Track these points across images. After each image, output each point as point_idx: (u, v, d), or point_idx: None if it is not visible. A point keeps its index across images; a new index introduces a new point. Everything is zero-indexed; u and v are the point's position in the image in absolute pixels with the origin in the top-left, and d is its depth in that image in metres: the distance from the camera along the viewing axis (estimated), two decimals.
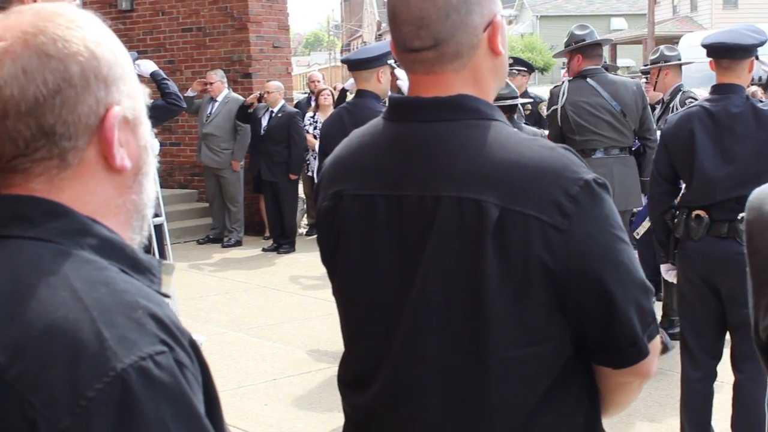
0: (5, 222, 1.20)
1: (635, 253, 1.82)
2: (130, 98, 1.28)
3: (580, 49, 6.63)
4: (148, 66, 7.25)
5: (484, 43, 1.85)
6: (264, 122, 11.96)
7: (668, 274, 5.02)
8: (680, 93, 7.40)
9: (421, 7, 1.80)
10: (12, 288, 1.13)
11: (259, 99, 12.01)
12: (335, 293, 2.01)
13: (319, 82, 13.75)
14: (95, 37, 1.25)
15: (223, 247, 12.33)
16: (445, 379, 1.79)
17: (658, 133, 6.75)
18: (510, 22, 57.39)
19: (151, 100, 7.73)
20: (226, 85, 12.43)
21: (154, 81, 7.18)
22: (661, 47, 7.85)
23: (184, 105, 7.44)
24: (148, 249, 1.43)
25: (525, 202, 1.71)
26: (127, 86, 1.28)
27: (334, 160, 2.01)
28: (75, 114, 1.21)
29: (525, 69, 10.26)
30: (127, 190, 1.29)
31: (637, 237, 6.98)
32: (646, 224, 6.76)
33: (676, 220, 4.72)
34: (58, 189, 1.23)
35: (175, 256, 9.97)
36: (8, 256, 1.17)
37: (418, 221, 1.79)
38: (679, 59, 7.57)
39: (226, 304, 9.10)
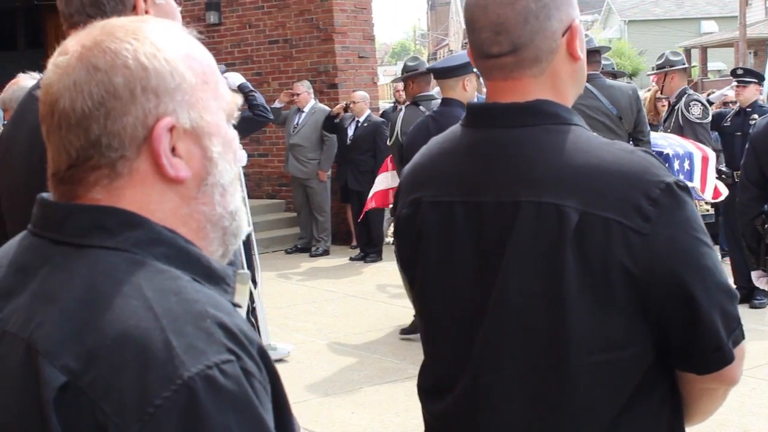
0: (85, 232, 1.22)
1: (719, 257, 1.79)
2: (193, 108, 1.27)
3: None
4: (236, 78, 7.36)
5: (563, 48, 1.84)
6: (350, 132, 12.03)
7: (759, 280, 4.91)
8: (685, 95, 7.93)
9: (499, 13, 1.80)
10: (88, 297, 1.16)
11: (345, 109, 12.09)
12: (414, 300, 2.01)
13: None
14: (150, 49, 1.25)
15: (311, 256, 12.43)
16: (525, 385, 1.78)
17: (653, 134, 7.44)
18: (588, 28, 56.68)
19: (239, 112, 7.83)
20: (312, 95, 12.53)
21: (241, 93, 7.27)
22: (666, 52, 8.39)
23: (272, 116, 7.53)
24: (231, 261, 1.45)
25: (605, 206, 1.70)
26: (188, 96, 1.26)
27: (413, 168, 2.01)
28: (120, 125, 1.22)
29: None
30: (192, 200, 1.29)
31: None
32: None
33: (767, 225, 4.61)
34: (117, 198, 1.24)
35: (264, 266, 10.08)
36: (85, 266, 1.19)
37: (497, 227, 1.79)
38: (684, 64, 8.09)
39: (313, 313, 9.17)
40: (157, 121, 1.24)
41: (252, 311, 7.30)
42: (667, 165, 6.89)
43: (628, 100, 7.03)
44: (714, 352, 1.75)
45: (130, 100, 1.23)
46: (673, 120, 8.21)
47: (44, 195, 1.29)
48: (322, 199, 12.51)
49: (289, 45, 13.92)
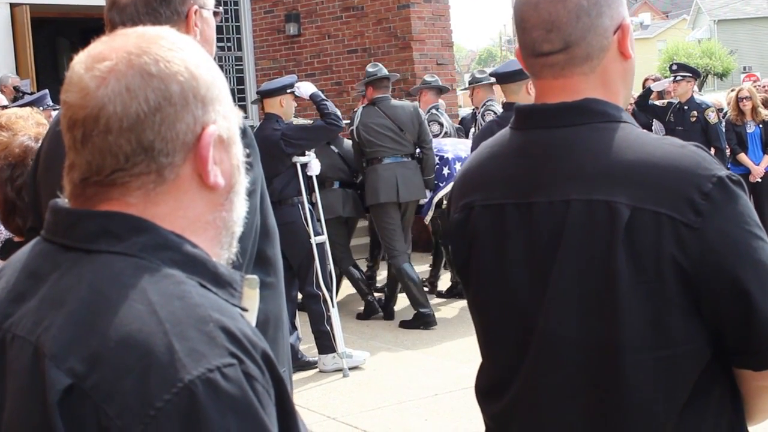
0: (94, 237, 1.25)
1: None
2: (225, 119, 1.32)
3: (371, 82, 8.79)
4: (308, 88, 7.42)
5: (614, 46, 1.84)
6: None
7: None
8: (483, 106, 9.59)
9: (551, 11, 1.80)
10: (93, 301, 1.19)
11: None
12: (470, 304, 2.02)
13: None
14: (195, 59, 1.30)
15: None
16: (581, 383, 1.77)
17: (443, 141, 9.79)
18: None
19: (311, 121, 7.89)
20: None
21: (313, 102, 7.34)
22: (474, 71, 10.46)
23: (343, 125, 7.56)
24: (237, 266, 1.48)
25: (656, 201, 1.69)
26: (223, 107, 1.32)
27: (464, 173, 2.03)
28: (173, 131, 1.25)
29: (690, 75, 10.00)
30: (219, 207, 1.32)
31: (427, 222, 9.64)
32: (431, 213, 9.33)
33: None
34: (154, 203, 1.27)
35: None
36: (93, 270, 1.22)
37: (549, 227, 1.79)
38: (489, 80, 9.48)
39: (390, 321, 9.16)
40: (203, 128, 1.28)
41: (328, 319, 7.37)
42: (447, 167, 9.21)
43: (409, 116, 8.72)
44: None
45: (183, 107, 1.26)
46: (476, 126, 9.88)
47: (57, 201, 1.31)
48: None
49: (367, 54, 13.97)
